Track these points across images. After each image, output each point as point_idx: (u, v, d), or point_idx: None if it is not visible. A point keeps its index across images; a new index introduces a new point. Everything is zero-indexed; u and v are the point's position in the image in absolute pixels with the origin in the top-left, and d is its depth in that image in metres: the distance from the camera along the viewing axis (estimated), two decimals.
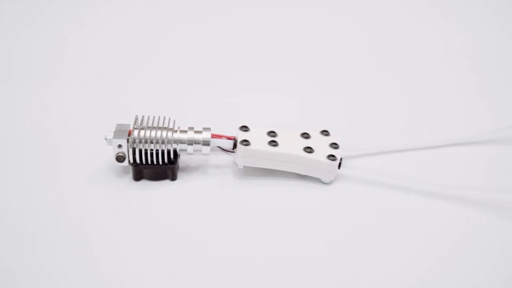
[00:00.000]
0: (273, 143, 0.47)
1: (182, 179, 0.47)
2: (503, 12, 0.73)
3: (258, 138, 0.47)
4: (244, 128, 0.48)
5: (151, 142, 0.45)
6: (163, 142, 0.45)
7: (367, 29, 0.70)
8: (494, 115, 0.56)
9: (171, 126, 0.47)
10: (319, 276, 0.41)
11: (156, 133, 0.45)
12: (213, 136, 0.47)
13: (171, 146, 0.46)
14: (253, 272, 0.41)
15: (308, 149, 0.47)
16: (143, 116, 0.47)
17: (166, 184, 0.47)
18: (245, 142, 0.46)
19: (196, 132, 0.46)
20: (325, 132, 0.49)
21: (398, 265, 0.42)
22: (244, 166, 0.47)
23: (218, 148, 0.49)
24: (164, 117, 0.47)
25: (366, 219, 0.45)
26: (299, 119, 0.54)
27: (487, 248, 0.43)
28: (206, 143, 0.46)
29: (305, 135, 0.48)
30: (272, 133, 0.48)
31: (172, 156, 0.46)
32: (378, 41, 0.68)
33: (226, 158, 0.49)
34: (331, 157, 0.46)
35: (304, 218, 0.45)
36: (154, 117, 0.47)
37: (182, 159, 0.49)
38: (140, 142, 0.45)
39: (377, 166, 0.50)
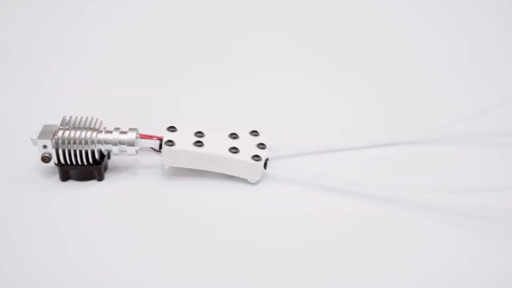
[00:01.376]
0: (199, 144, 0.47)
1: (109, 180, 0.48)
2: (446, 8, 0.73)
3: (184, 139, 0.47)
4: (172, 129, 0.48)
5: (74, 143, 0.45)
6: (86, 143, 0.46)
7: (310, 30, 0.69)
8: (432, 115, 0.56)
9: (97, 126, 0.47)
10: (238, 275, 0.41)
11: (80, 133, 0.46)
12: (142, 136, 0.48)
13: (95, 147, 0.46)
14: (177, 272, 0.41)
15: (234, 150, 0.47)
16: (70, 117, 0.47)
17: (92, 184, 0.47)
18: (170, 143, 0.46)
19: (121, 132, 0.47)
20: (254, 133, 0.49)
21: (320, 264, 0.42)
22: (171, 167, 0.47)
23: (151, 149, 0.49)
24: (92, 118, 0.47)
25: (290, 219, 0.45)
26: (232, 119, 0.55)
27: (414, 249, 0.43)
28: (130, 143, 0.46)
29: (233, 136, 0.48)
30: (199, 134, 0.48)
31: (97, 156, 0.46)
32: (319, 41, 0.68)
33: (157, 158, 0.49)
34: (256, 157, 0.47)
35: (227, 218, 0.45)
36: (82, 117, 0.47)
37: (112, 159, 0.49)
38: (63, 142, 0.45)
39: (305, 167, 0.50)
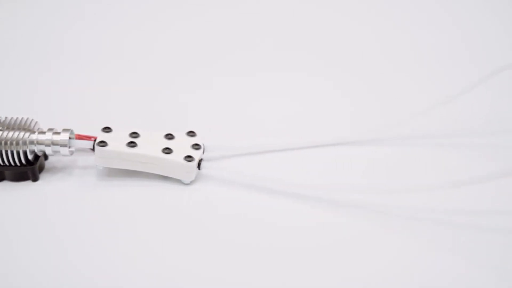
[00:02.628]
0: (132, 144, 0.47)
1: (44, 180, 0.48)
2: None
3: (117, 139, 0.47)
4: (106, 129, 0.48)
5: (6, 144, 0.46)
6: (18, 144, 0.46)
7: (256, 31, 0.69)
8: (374, 115, 0.56)
9: (31, 127, 0.47)
10: (175, 275, 0.41)
11: (13, 134, 0.46)
12: (78, 137, 0.48)
13: (28, 148, 0.46)
14: (111, 272, 0.41)
15: (167, 150, 0.47)
16: (6, 117, 0.47)
17: (27, 185, 0.47)
18: (102, 143, 0.46)
19: (54, 133, 0.47)
20: (191, 133, 0.49)
21: (248, 265, 0.42)
22: (106, 167, 0.47)
23: (90, 150, 0.49)
24: (27, 118, 0.48)
25: (222, 220, 0.45)
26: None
27: (348, 248, 0.44)
28: (64, 144, 0.47)
29: (169, 136, 0.48)
30: (134, 134, 0.48)
31: (30, 157, 0.46)
32: (263, 40, 0.68)
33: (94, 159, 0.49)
34: (188, 158, 0.47)
35: (159, 218, 0.45)
36: (17, 118, 0.47)
37: (50, 160, 0.49)
38: None
39: (243, 167, 0.50)
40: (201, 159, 0.47)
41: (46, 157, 0.49)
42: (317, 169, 0.50)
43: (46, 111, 0.53)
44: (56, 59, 0.63)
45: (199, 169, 0.47)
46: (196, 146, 0.48)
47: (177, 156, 0.47)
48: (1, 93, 0.57)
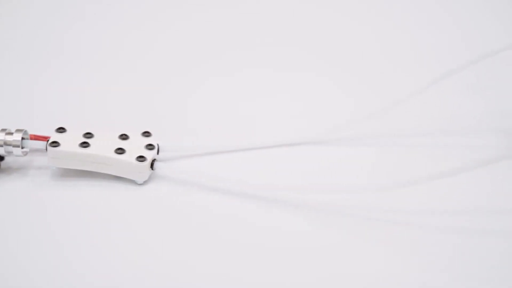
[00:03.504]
0: (85, 145, 0.47)
1: None
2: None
3: (70, 140, 0.47)
4: (60, 130, 0.48)
5: None
6: None
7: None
8: (331, 115, 0.56)
9: None
10: (116, 275, 0.41)
11: None
12: (33, 137, 0.48)
13: None
14: (65, 272, 0.41)
15: (119, 151, 0.47)
16: None
17: None
18: (54, 144, 0.47)
19: (7, 134, 0.47)
20: (146, 133, 0.49)
21: (203, 268, 0.42)
22: (60, 168, 0.47)
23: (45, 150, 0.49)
24: None
25: (173, 220, 0.45)
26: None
27: (298, 248, 0.44)
28: (16, 145, 0.47)
29: (124, 137, 0.48)
30: (88, 135, 0.48)
31: None
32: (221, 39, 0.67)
33: None
34: (140, 158, 0.47)
35: (111, 218, 0.45)
36: None
37: (6, 160, 0.49)
38: None
39: (201, 167, 0.50)
40: (155, 159, 0.47)
41: (2, 157, 0.49)
42: (275, 169, 0.50)
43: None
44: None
45: (152, 169, 0.47)
46: (150, 147, 0.48)
47: (130, 156, 0.47)
48: None
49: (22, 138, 0.47)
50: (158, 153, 0.49)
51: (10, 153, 0.47)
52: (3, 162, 0.49)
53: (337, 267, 0.42)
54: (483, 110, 0.58)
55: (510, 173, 0.49)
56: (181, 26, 0.69)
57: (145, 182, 0.48)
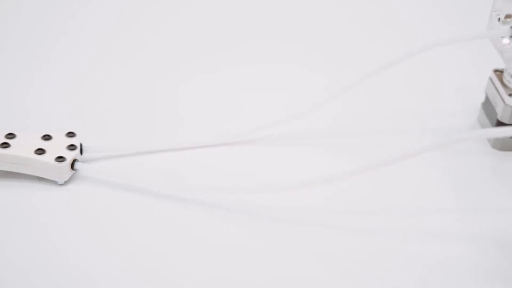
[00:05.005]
0: (4, 145, 0.47)
1: None
2: None
3: None
4: None
5: None
6: None
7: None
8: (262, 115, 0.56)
9: None
10: (46, 274, 0.42)
11: None
12: None
13: None
14: None
15: (39, 151, 0.47)
16: None
17: None
18: None
19: None
20: (70, 134, 0.50)
21: (120, 269, 0.42)
22: None
23: None
24: None
25: (94, 220, 0.46)
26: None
27: (220, 248, 0.44)
28: None
29: (46, 137, 0.49)
30: (10, 135, 0.48)
31: None
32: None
33: None
34: (59, 158, 0.47)
35: (30, 218, 0.45)
36: None
37: None
38: None
39: (123, 168, 0.50)
40: (75, 159, 0.48)
41: None
42: (195, 169, 0.50)
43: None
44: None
45: (73, 169, 0.47)
46: (72, 147, 0.48)
47: (49, 157, 0.47)
48: None
49: None
50: (81, 153, 0.49)
51: None
52: None
53: (246, 265, 0.43)
54: (415, 109, 0.58)
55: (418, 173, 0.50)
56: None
57: (66, 183, 0.48)
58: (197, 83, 0.60)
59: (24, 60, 0.62)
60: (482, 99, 0.56)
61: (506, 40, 0.50)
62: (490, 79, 0.54)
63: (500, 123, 0.53)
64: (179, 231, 0.45)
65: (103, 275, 0.42)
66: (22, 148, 0.47)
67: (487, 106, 0.55)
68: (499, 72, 0.54)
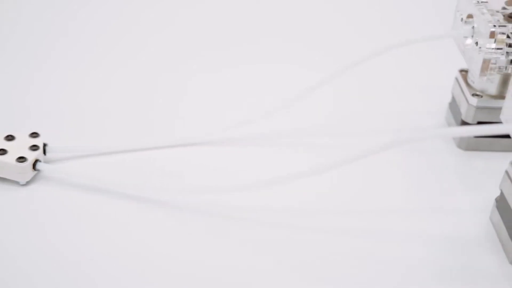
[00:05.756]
0: None
1: None
2: None
3: None
4: None
5: None
6: None
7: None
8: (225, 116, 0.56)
9: None
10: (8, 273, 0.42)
11: None
12: None
13: None
14: None
15: (1, 152, 0.48)
16: None
17: None
18: None
19: None
20: (34, 134, 0.50)
21: (81, 269, 0.42)
22: None
23: None
24: None
25: (53, 220, 0.46)
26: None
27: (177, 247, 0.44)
28: None
29: (9, 137, 0.49)
30: None
31: None
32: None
33: None
34: (21, 159, 0.47)
35: None
36: None
37: None
38: None
39: (87, 168, 0.50)
40: (37, 160, 0.48)
41: None
42: (159, 170, 0.50)
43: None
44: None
45: (35, 170, 0.48)
46: (34, 147, 0.49)
47: (10, 157, 0.47)
48: None
49: None
50: (45, 153, 0.49)
51: None
52: None
53: (213, 265, 0.43)
54: (385, 109, 0.58)
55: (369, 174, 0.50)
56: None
57: (28, 183, 0.48)
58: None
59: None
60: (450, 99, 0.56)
61: (469, 40, 0.50)
62: (456, 79, 0.54)
63: (464, 123, 0.52)
64: (142, 231, 0.45)
65: (63, 274, 0.42)
66: None
67: (453, 106, 0.55)
68: (464, 72, 0.54)
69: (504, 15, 0.50)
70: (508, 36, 0.48)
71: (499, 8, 0.50)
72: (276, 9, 0.74)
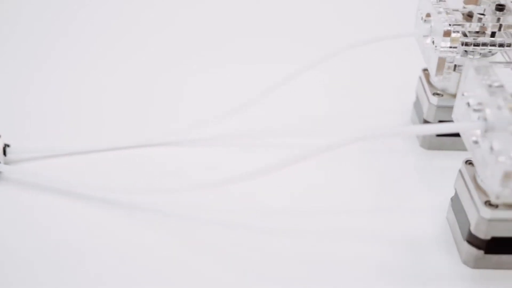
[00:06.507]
0: None
1: None
2: None
3: None
4: None
5: None
6: None
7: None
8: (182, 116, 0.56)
9: None
10: None
11: None
12: None
13: None
14: None
15: None
16: None
17: None
18: None
19: None
20: None
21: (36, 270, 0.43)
22: None
23: None
24: None
25: (13, 221, 0.46)
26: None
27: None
28: None
29: None
30: None
31: None
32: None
33: None
34: None
35: None
36: None
37: None
38: None
39: (45, 169, 0.50)
40: None
41: None
42: (114, 171, 0.51)
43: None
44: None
45: None
46: None
47: None
48: None
49: None
50: (5, 154, 0.50)
51: None
52: None
53: (162, 265, 0.43)
54: (353, 109, 0.58)
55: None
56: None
57: None
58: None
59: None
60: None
61: (427, 39, 0.50)
62: (420, 78, 0.54)
63: (426, 122, 0.52)
64: (101, 231, 0.45)
65: (23, 274, 0.42)
66: None
67: (417, 105, 0.55)
68: (427, 72, 0.53)
69: (463, 14, 0.50)
70: (464, 35, 0.48)
71: (460, 7, 0.50)
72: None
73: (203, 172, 0.50)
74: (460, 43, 0.46)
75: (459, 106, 0.42)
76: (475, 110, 0.39)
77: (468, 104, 0.40)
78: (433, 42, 0.48)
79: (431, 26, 0.49)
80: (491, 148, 0.37)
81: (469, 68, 0.40)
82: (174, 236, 0.45)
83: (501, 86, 0.38)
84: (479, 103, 0.39)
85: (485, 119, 0.38)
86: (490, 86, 0.38)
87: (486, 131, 0.38)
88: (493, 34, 0.48)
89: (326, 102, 0.59)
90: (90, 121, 0.56)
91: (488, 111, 0.37)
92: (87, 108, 0.58)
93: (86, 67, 0.64)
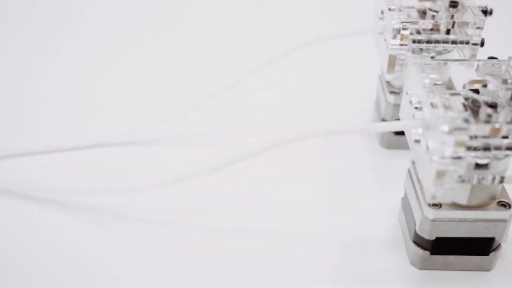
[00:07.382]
0: None
1: None
2: None
3: None
4: None
5: None
6: None
7: None
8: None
9: None
10: None
11: None
12: None
13: None
14: None
15: None
16: None
17: None
18: None
19: None
20: None
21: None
22: None
23: None
24: None
25: None
26: None
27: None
28: None
29: None
30: None
31: None
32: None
33: None
34: None
35: None
36: None
37: None
38: None
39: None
40: None
41: None
42: (67, 173, 0.50)
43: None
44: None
45: None
46: None
47: None
48: None
49: None
50: None
51: None
52: None
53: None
54: (315, 109, 0.58)
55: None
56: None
57: None
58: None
59: None
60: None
61: (382, 37, 0.49)
62: (379, 77, 0.54)
63: (384, 121, 0.52)
64: (51, 234, 0.45)
65: None
66: None
67: (377, 104, 0.54)
68: None
69: (418, 11, 0.49)
70: (418, 32, 0.47)
71: (416, 4, 0.49)
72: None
73: (157, 172, 0.50)
74: (410, 40, 0.45)
75: (404, 104, 0.41)
76: (416, 108, 0.38)
77: (411, 102, 0.39)
78: (385, 39, 0.47)
79: (384, 24, 0.48)
80: (427, 147, 0.36)
81: (411, 66, 0.39)
82: (125, 237, 0.45)
83: (440, 84, 0.37)
84: (419, 101, 0.38)
85: (424, 118, 0.37)
86: (429, 84, 0.38)
87: (426, 129, 0.37)
88: (448, 32, 0.48)
89: (287, 101, 0.58)
90: (45, 121, 0.56)
91: (425, 110, 0.37)
92: (42, 108, 0.57)
93: (39, 66, 0.63)
